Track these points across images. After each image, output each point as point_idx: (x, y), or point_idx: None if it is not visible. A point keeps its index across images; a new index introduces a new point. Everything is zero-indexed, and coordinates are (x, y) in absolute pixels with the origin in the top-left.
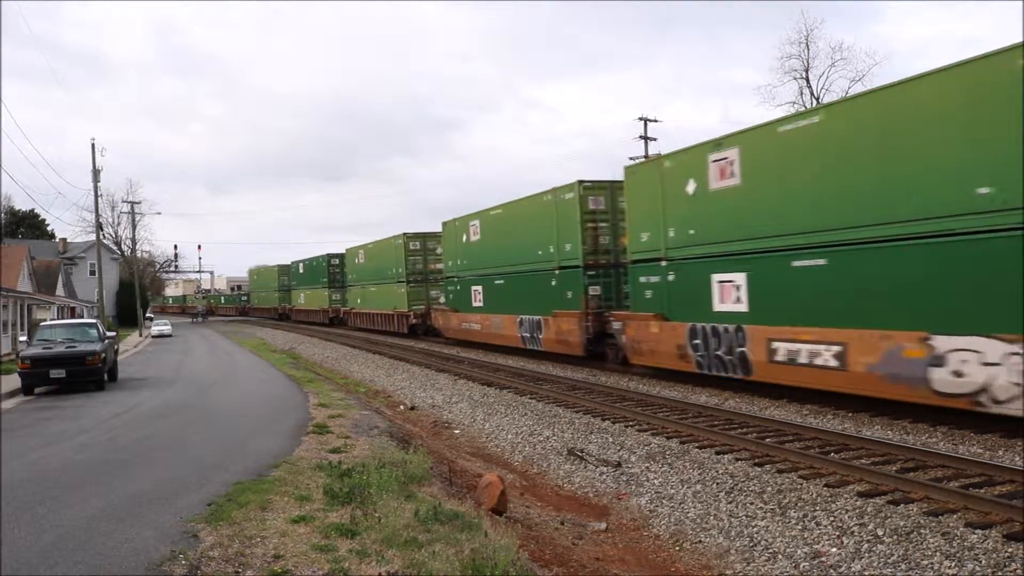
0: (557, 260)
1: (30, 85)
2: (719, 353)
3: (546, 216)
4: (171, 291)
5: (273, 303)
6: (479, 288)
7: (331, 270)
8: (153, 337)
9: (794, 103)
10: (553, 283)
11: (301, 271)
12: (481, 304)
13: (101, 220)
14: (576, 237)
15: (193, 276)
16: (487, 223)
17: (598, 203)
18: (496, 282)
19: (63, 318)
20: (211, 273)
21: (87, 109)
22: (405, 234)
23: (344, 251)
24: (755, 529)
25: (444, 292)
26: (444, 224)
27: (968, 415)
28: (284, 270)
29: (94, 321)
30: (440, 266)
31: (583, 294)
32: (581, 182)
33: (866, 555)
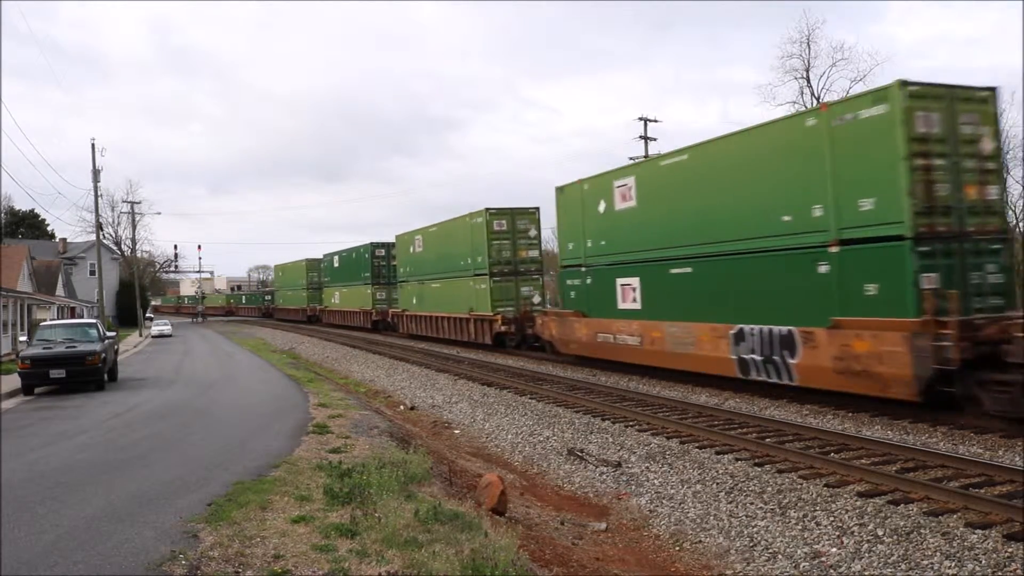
0: (834, 228)
1: (26, 84)
2: None
3: (803, 156)
4: (187, 289)
5: (300, 303)
6: (632, 281)
7: (375, 263)
8: (153, 337)
9: (795, 103)
10: (822, 269)
11: (336, 265)
12: (637, 305)
13: (101, 220)
14: (893, 185)
15: (194, 276)
16: (649, 181)
17: (931, 123)
18: (673, 271)
19: (63, 318)
20: (211, 273)
21: (85, 108)
22: (488, 210)
23: (394, 239)
24: (755, 529)
25: (561, 288)
26: (559, 190)
27: (968, 415)
28: (314, 265)
29: (94, 321)
30: (533, 254)
31: (912, 287)
32: (905, 83)
33: (866, 555)
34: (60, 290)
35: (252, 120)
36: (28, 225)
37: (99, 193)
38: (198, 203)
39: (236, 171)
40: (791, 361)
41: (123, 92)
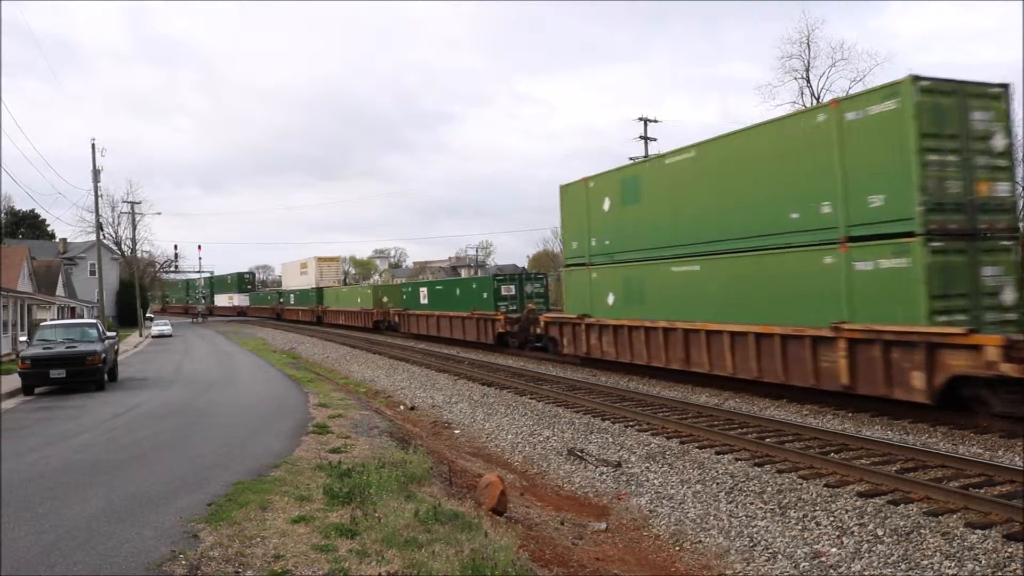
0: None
1: (10, 80)
2: None
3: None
4: (294, 280)
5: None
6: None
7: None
8: (153, 337)
9: (795, 103)
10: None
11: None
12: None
13: (101, 220)
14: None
15: (194, 275)
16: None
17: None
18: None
19: (63, 318)
20: (211, 273)
21: (75, 106)
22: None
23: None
24: (755, 529)
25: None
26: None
27: (967, 415)
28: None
29: (94, 321)
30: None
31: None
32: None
33: (866, 555)
34: (60, 290)
35: (249, 119)
36: (28, 225)
37: (99, 193)
38: (193, 203)
39: (231, 170)
40: None
41: (113, 89)
